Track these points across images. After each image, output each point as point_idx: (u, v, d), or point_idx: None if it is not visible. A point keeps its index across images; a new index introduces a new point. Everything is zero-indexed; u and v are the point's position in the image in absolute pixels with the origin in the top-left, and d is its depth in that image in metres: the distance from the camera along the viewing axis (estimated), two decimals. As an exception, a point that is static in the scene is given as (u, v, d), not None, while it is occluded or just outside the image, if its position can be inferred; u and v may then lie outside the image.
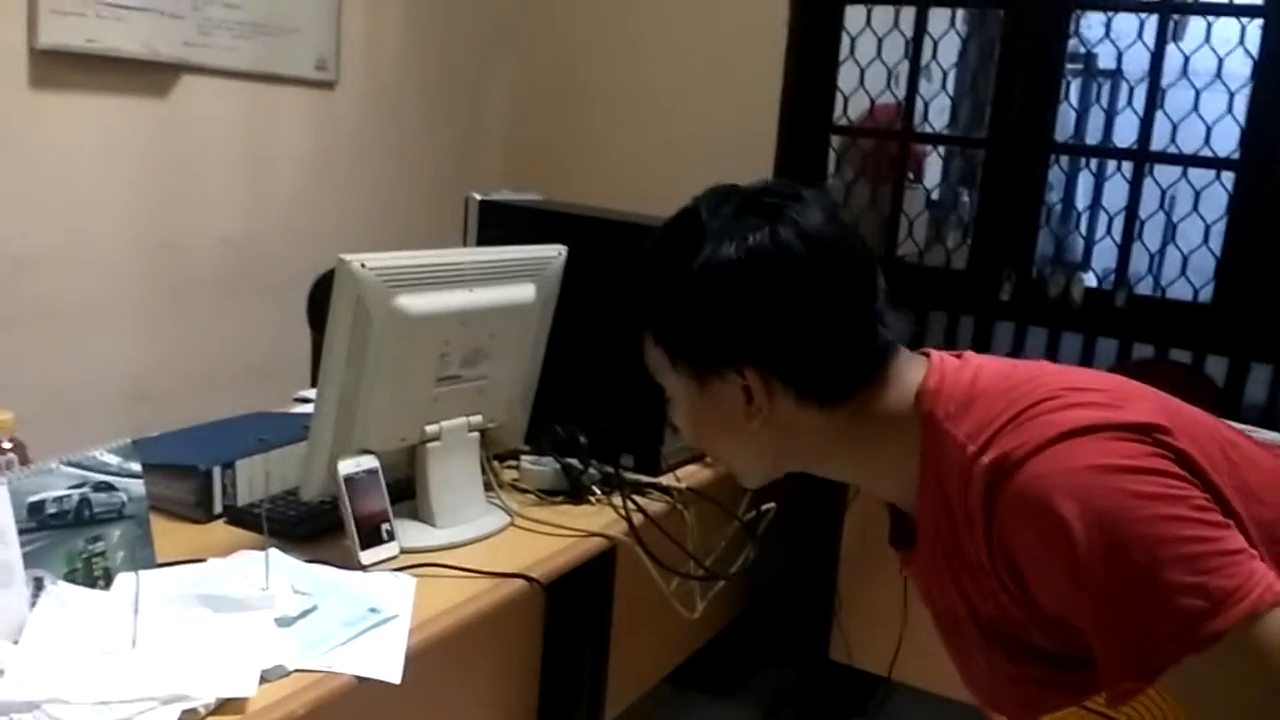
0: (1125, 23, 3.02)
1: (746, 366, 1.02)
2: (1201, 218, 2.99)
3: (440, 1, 3.34)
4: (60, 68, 2.37)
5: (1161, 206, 3.05)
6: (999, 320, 3.14)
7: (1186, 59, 2.99)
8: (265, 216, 2.91)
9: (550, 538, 1.65)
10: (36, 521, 1.24)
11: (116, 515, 1.32)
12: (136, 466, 1.35)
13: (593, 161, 3.45)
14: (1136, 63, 3.02)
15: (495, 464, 1.80)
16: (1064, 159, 3.50)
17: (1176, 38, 3.02)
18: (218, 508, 1.61)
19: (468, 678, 1.70)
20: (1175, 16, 2.98)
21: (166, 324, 2.71)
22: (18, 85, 2.31)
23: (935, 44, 3.26)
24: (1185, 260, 3.03)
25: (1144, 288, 3.10)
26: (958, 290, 3.18)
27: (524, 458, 1.84)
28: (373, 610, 1.33)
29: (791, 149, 3.28)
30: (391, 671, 1.24)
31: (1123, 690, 0.88)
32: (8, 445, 1.40)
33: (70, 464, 1.29)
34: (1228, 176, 2.90)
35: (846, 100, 3.31)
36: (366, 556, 1.48)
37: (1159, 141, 2.97)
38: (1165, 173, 3.01)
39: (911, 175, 3.47)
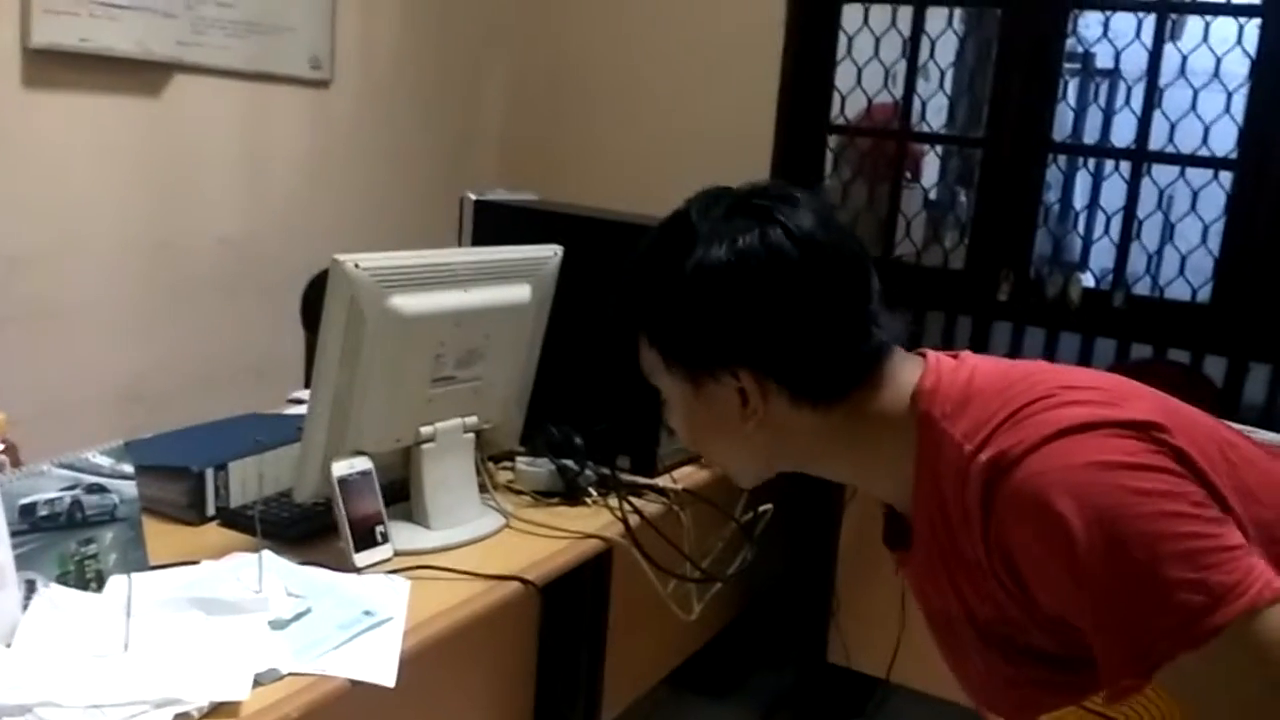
0: (1123, 22, 3.01)
1: (740, 368, 1.02)
2: (1199, 217, 2.98)
3: (435, 0, 3.33)
4: (53, 67, 2.36)
5: (1159, 206, 3.05)
6: (997, 320, 3.14)
7: (1184, 58, 2.98)
8: (260, 216, 2.90)
9: (546, 539, 1.64)
10: (28, 524, 1.23)
11: (109, 517, 1.31)
12: (129, 468, 1.34)
13: (588, 161, 3.44)
14: (1134, 62, 3.02)
15: (490, 465, 1.79)
16: (1062, 159, 3.48)
17: (1174, 37, 3.02)
18: (210, 510, 1.61)
19: (463, 681, 1.69)
20: (1173, 16, 2.98)
21: (160, 324, 2.70)
22: (11, 85, 2.30)
23: (933, 43, 3.26)
24: (1183, 260, 3.03)
25: (1142, 288, 3.10)
26: (955, 290, 3.17)
27: (519, 459, 1.83)
28: (367, 613, 1.32)
29: (788, 148, 3.28)
30: (386, 674, 1.23)
31: (1122, 687, 0.88)
32: (0, 447, 1.39)
33: (62, 466, 1.28)
34: (1226, 176, 2.89)
35: (844, 99, 3.31)
36: (360, 559, 1.47)
37: (1157, 141, 2.97)
38: (1163, 172, 3.01)
39: (909, 175, 3.47)
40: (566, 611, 1.78)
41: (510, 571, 1.50)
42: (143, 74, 2.55)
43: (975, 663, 1.07)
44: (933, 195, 3.68)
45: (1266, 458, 1.01)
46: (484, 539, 1.63)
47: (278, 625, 1.26)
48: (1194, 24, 3.00)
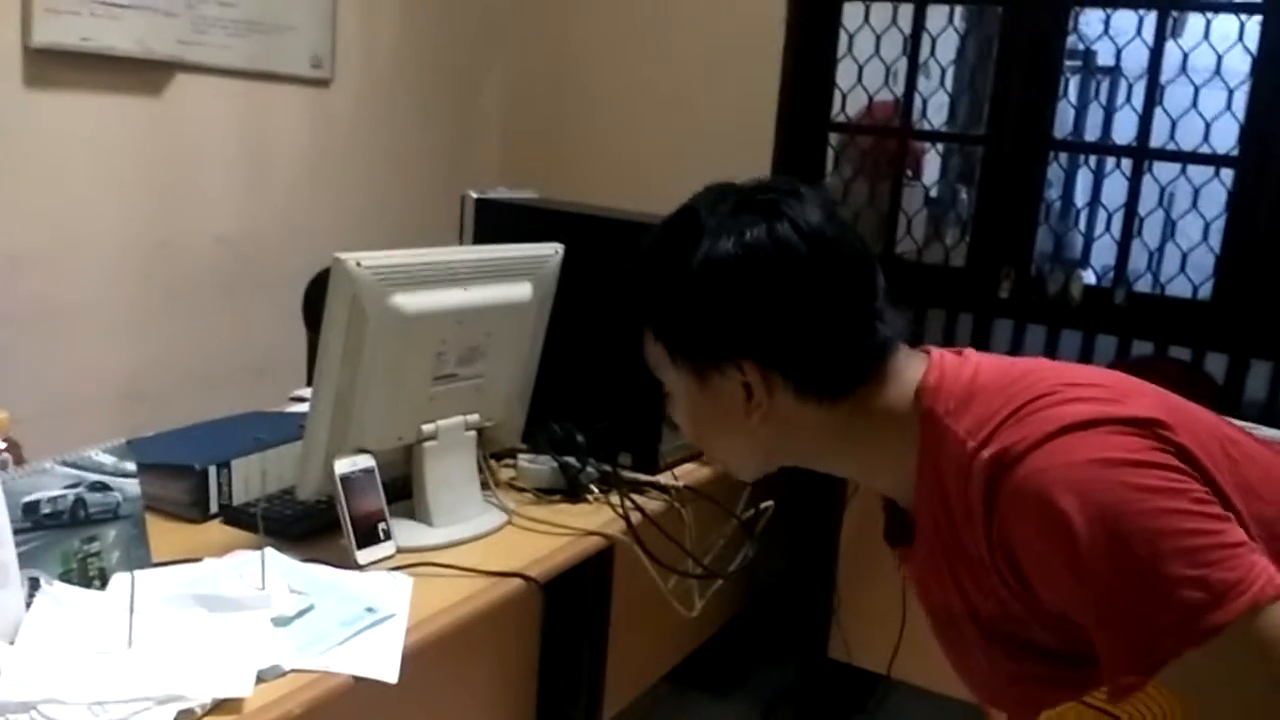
0: (1124, 19, 3.01)
1: (746, 361, 1.02)
2: (1201, 215, 2.99)
3: (436, -1, 3.34)
4: (54, 66, 2.36)
5: (1160, 204, 3.05)
6: (998, 318, 3.14)
7: (1185, 56, 2.98)
8: (260, 215, 2.90)
9: (548, 537, 1.64)
10: (31, 521, 1.23)
11: (112, 515, 1.32)
12: (131, 466, 1.34)
13: (589, 159, 3.44)
14: (1135, 59, 3.01)
15: (492, 463, 1.79)
16: (1063, 156, 3.49)
17: (1175, 34, 3.02)
18: (213, 507, 1.61)
19: (465, 677, 1.69)
20: (1174, 13, 2.98)
21: (162, 323, 2.70)
22: (12, 84, 2.30)
23: (933, 41, 3.26)
24: (1184, 257, 3.03)
25: (1143, 285, 3.10)
26: (956, 288, 3.17)
27: (521, 456, 1.83)
28: (369, 610, 1.32)
29: (789, 146, 3.28)
30: (388, 671, 1.23)
31: (1124, 684, 0.88)
32: (2, 445, 1.40)
33: (65, 464, 1.28)
34: (1227, 173, 2.90)
35: (844, 97, 3.30)
36: (363, 556, 1.47)
37: (1158, 138, 2.97)
38: (1164, 170, 3.01)
39: (910, 172, 3.47)
40: (568, 608, 1.78)
41: (512, 568, 1.50)
42: (144, 73, 2.55)
43: (978, 659, 1.07)
44: (934, 193, 3.68)
45: (1268, 454, 1.01)
46: (486, 536, 1.63)
47: (280, 622, 1.27)
48: (1195, 21, 3.00)
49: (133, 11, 2.45)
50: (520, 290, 1.68)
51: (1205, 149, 2.94)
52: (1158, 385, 1.02)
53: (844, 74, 3.30)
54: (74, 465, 1.29)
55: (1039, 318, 3.09)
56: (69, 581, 1.26)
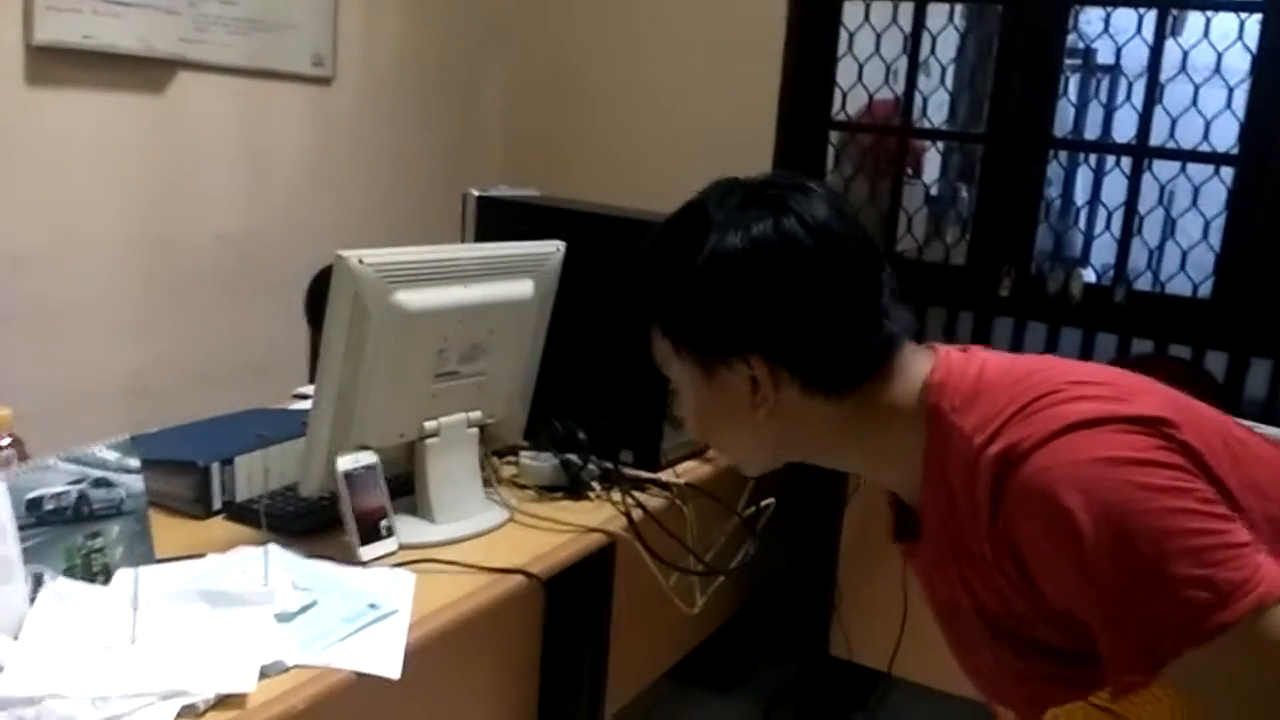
0: (1124, 18, 3.01)
1: (753, 355, 1.03)
2: (1201, 213, 2.99)
3: (437, -3, 3.34)
4: (56, 64, 2.36)
5: (1160, 202, 3.05)
6: (998, 316, 3.14)
7: (1185, 54, 2.98)
8: (262, 213, 2.90)
9: (549, 533, 1.65)
10: (35, 517, 1.24)
11: (115, 511, 1.32)
12: (135, 462, 1.35)
13: (591, 157, 3.44)
14: (1135, 58, 3.01)
15: (494, 460, 1.80)
16: (1063, 154, 3.49)
17: (1175, 33, 3.02)
18: (217, 503, 1.61)
19: (467, 673, 1.70)
20: (1174, 11, 2.98)
21: (164, 320, 2.70)
22: (14, 82, 2.30)
23: (934, 39, 3.26)
24: (1184, 255, 3.03)
25: (1143, 283, 3.10)
26: (956, 286, 3.17)
27: (523, 453, 1.83)
28: (372, 606, 1.33)
29: (790, 144, 3.28)
30: (391, 667, 1.24)
31: (1127, 683, 0.88)
32: (6, 441, 1.40)
33: (69, 460, 1.29)
34: (1227, 172, 2.89)
35: (845, 96, 3.30)
36: (366, 552, 1.48)
37: (1158, 137, 2.97)
38: (1164, 168, 3.01)
39: (910, 171, 3.47)
40: (570, 605, 1.78)
41: (514, 565, 1.51)
42: (145, 71, 2.55)
43: (985, 656, 1.07)
44: (934, 191, 3.68)
45: (1274, 453, 1.01)
46: (488, 533, 1.63)
47: (283, 618, 1.27)
48: (1195, 19, 3.00)
49: (134, 9, 2.45)
50: (522, 288, 1.68)
51: (1205, 147, 2.94)
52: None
53: (844, 72, 3.30)
54: (77, 461, 1.29)
55: (1039, 316, 3.09)
56: (73, 577, 1.26)
